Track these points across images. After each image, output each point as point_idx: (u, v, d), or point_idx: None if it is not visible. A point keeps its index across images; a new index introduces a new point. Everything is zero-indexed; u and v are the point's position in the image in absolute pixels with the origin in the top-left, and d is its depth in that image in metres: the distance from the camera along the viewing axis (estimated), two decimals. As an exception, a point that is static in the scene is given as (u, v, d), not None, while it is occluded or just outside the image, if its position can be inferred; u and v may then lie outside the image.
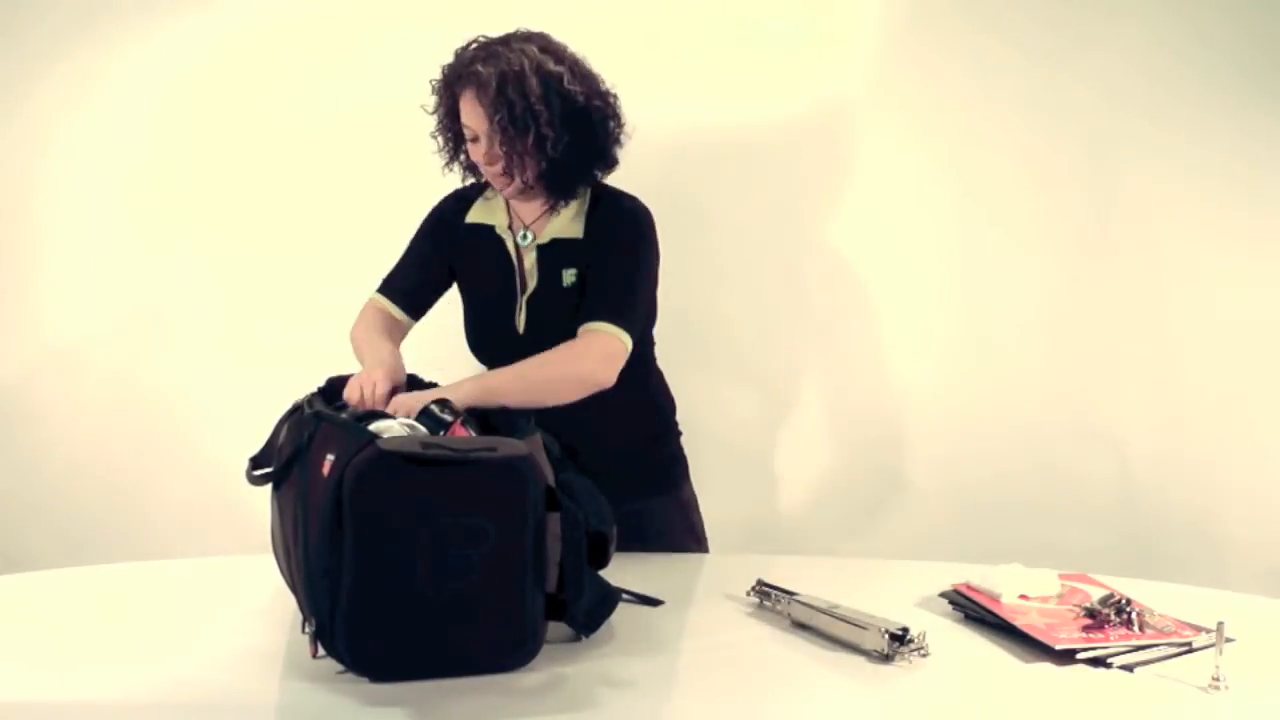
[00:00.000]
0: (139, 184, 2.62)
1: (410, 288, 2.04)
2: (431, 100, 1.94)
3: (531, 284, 1.94)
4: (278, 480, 1.59)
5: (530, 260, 1.95)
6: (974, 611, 1.58)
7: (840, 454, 2.55)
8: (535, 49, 1.85)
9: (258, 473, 1.63)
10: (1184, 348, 2.57)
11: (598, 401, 1.83)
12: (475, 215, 2.02)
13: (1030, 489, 2.59)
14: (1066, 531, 2.54)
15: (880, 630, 1.44)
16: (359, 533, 1.34)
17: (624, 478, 1.87)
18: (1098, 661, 1.43)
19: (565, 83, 1.84)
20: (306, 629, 1.41)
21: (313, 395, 1.66)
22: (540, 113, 1.82)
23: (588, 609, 1.48)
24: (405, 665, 1.36)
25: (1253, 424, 2.55)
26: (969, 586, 1.62)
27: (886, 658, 1.43)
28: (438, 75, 1.92)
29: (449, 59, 1.90)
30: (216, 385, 2.63)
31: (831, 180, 2.57)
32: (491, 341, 2.00)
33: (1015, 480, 2.60)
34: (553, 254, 1.94)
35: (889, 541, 2.62)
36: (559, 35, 2.49)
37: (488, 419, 1.67)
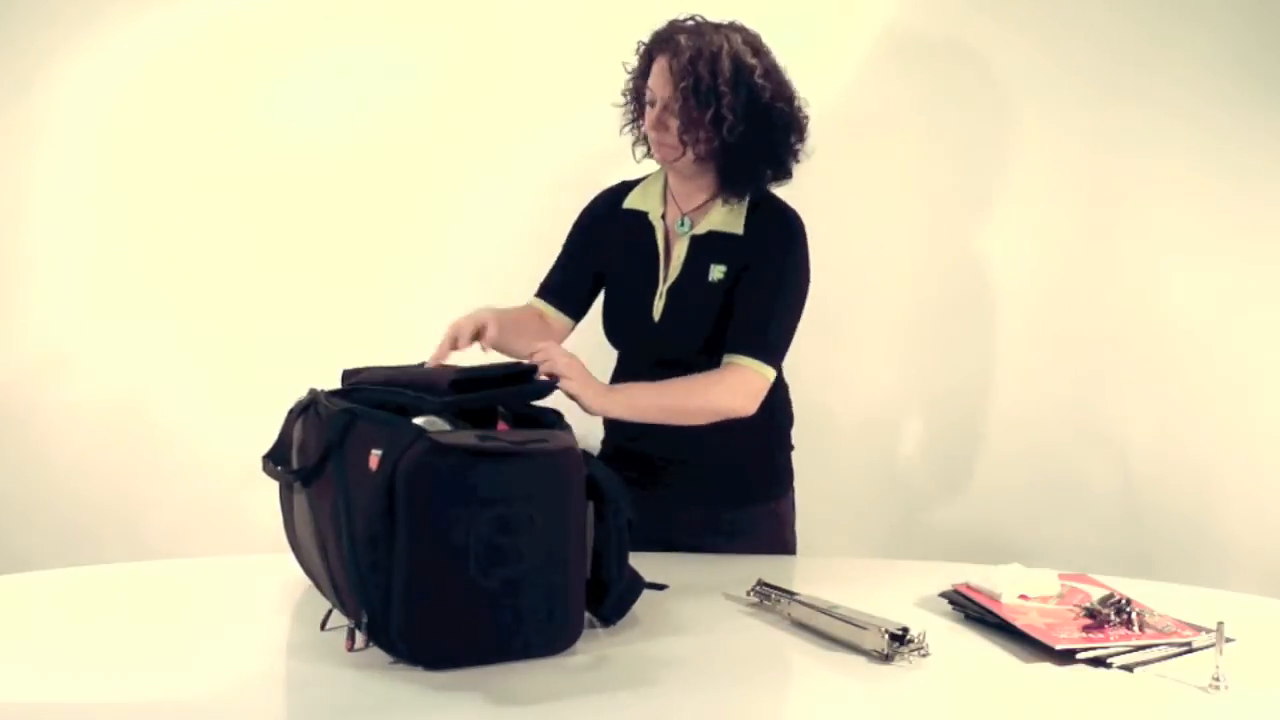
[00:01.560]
0: (134, 185, 2.61)
1: (558, 285, 2.08)
2: (634, 62, 1.99)
3: (674, 274, 1.97)
4: (308, 478, 1.55)
5: (680, 249, 1.98)
6: (974, 611, 1.58)
7: (840, 454, 2.54)
8: (739, 39, 1.90)
9: (289, 471, 1.58)
10: (1184, 347, 2.56)
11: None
12: (632, 201, 2.06)
13: (1030, 489, 2.59)
14: (1066, 531, 2.54)
15: (880, 630, 1.44)
16: (413, 525, 1.35)
17: (722, 486, 1.97)
18: (1098, 661, 1.43)
19: (755, 75, 1.88)
20: (355, 622, 1.41)
21: (329, 392, 1.63)
22: (724, 94, 1.86)
23: (616, 597, 1.52)
24: (459, 653, 1.39)
25: (1252, 424, 2.55)
26: (969, 586, 1.62)
27: (886, 658, 1.43)
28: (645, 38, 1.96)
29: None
30: (213, 385, 2.62)
31: (830, 178, 2.56)
32: (625, 328, 2.04)
33: (1015, 480, 2.59)
34: (705, 246, 1.96)
35: (889, 541, 2.62)
36: (559, 34, 2.53)
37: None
